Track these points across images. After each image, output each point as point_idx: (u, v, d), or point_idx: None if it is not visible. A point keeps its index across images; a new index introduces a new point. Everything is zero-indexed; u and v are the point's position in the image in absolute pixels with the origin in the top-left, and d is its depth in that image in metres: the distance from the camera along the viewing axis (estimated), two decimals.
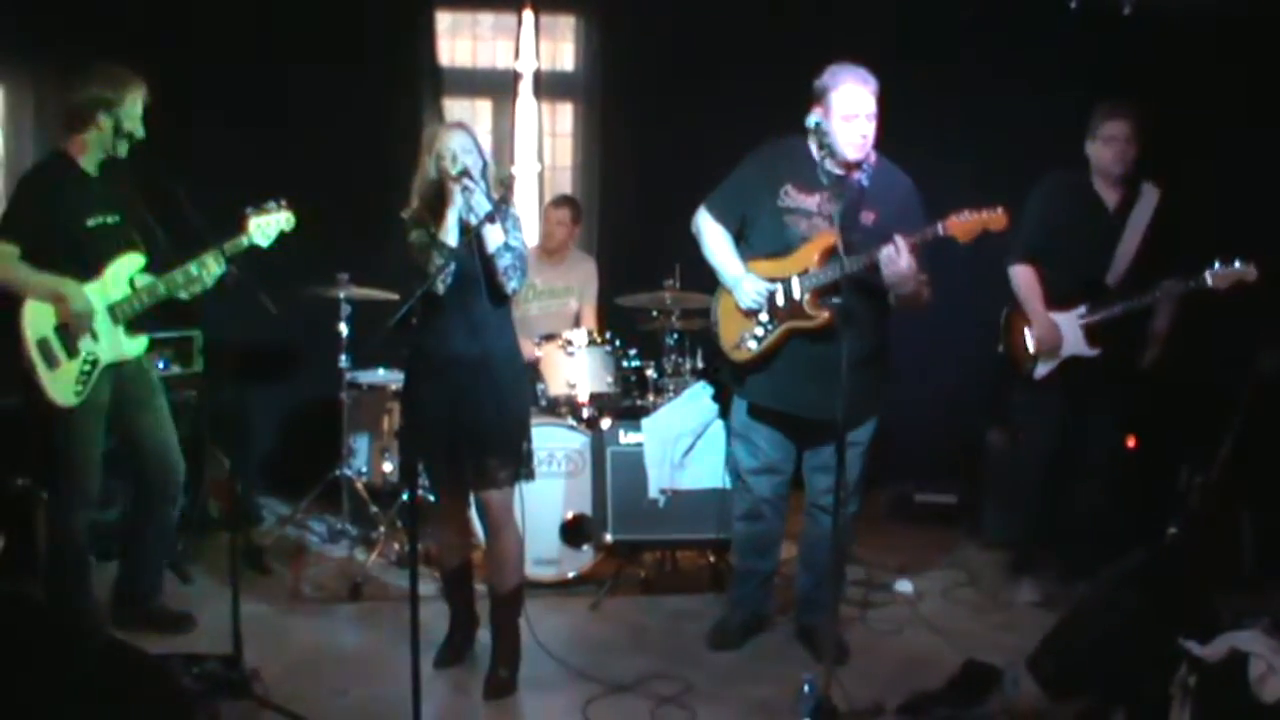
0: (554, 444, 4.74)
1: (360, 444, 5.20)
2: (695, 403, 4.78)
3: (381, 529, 4.96)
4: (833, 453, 3.53)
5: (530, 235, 5.70)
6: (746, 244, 4.02)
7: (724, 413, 4.64)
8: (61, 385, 3.84)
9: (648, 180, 5.88)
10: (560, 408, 4.95)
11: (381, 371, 5.31)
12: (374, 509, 5.11)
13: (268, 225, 3.97)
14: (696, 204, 4.10)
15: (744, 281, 3.93)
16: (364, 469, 5.19)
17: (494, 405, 3.68)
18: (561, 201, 5.75)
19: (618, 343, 5.08)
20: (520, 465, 3.78)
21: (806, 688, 3.50)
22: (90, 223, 3.88)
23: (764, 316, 3.93)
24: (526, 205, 6.13)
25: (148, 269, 4.00)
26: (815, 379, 3.77)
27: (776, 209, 3.91)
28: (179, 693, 3.27)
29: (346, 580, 4.71)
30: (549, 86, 6.20)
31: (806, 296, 3.84)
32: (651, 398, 5.05)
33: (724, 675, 3.98)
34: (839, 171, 3.82)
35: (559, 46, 6.24)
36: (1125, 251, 4.52)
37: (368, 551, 4.92)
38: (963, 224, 3.64)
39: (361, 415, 5.20)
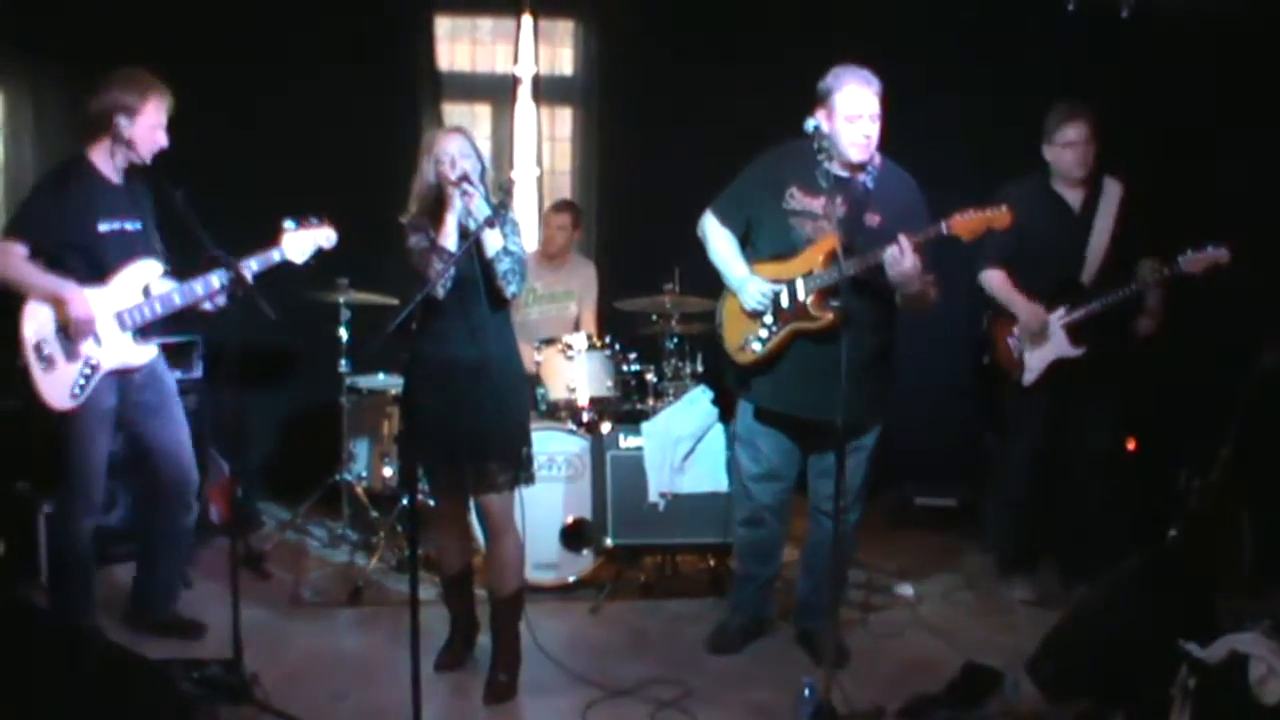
0: (554, 448, 4.74)
1: (360, 449, 5.21)
2: (695, 406, 4.79)
3: (381, 534, 4.95)
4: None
5: (530, 240, 5.72)
6: (752, 247, 4.01)
7: (724, 417, 4.65)
8: (56, 387, 3.78)
9: (647, 184, 5.88)
10: (560, 412, 4.95)
11: (381, 376, 5.32)
12: (374, 514, 5.11)
13: (304, 241, 3.91)
14: (696, 208, 4.10)
15: (749, 283, 3.93)
16: (364, 474, 5.19)
17: (494, 409, 3.68)
18: (561, 206, 5.76)
19: (617, 347, 5.07)
20: (520, 469, 3.77)
21: (807, 691, 3.50)
22: (103, 228, 3.83)
23: (768, 318, 3.92)
24: (526, 210, 6.14)
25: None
26: (820, 380, 3.73)
27: (782, 211, 3.91)
28: (179, 697, 3.27)
29: (347, 585, 4.71)
30: (548, 91, 6.22)
31: (810, 298, 3.83)
32: (651, 402, 5.04)
33: (724, 679, 3.97)
34: (841, 173, 3.83)
35: (558, 51, 6.25)
36: (1096, 248, 4.53)
37: (368, 556, 4.92)
38: (966, 222, 3.64)
39: (361, 420, 5.21)
